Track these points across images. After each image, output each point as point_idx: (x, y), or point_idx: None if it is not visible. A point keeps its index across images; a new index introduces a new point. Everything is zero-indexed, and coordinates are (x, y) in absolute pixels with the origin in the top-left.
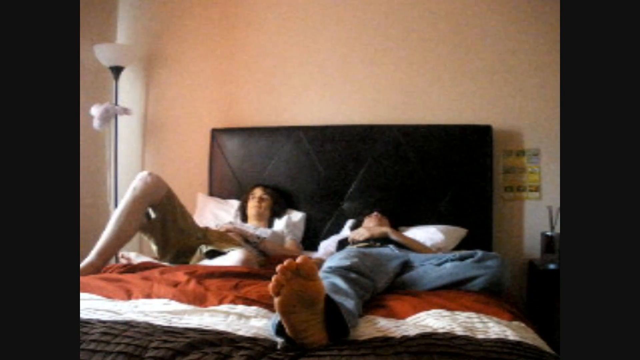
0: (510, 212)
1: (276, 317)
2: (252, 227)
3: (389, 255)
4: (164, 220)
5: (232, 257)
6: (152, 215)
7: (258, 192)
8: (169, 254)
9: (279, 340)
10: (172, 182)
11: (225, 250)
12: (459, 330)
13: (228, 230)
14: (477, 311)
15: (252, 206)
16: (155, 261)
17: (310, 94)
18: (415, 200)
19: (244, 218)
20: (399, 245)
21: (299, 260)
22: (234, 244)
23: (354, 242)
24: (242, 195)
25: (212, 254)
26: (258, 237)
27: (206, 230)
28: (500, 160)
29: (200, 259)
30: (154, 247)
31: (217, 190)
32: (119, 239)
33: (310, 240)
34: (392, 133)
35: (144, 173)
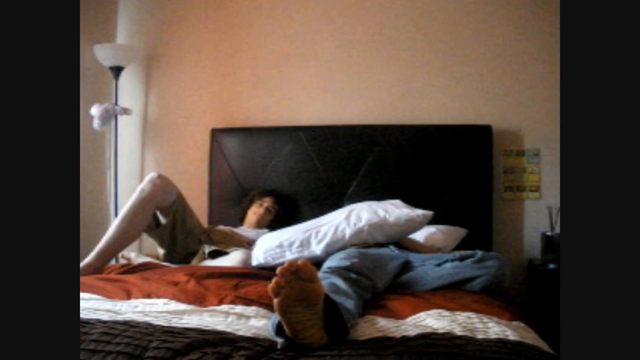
0: (510, 212)
1: (276, 317)
2: (253, 233)
3: (389, 255)
4: (173, 225)
5: (234, 258)
6: (160, 218)
7: (268, 201)
8: (175, 257)
9: (279, 340)
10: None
11: (228, 250)
12: (459, 331)
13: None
14: (477, 311)
15: (256, 212)
16: (155, 261)
17: (310, 94)
18: (415, 200)
19: (241, 218)
20: (399, 245)
21: (299, 262)
22: (236, 244)
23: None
24: (244, 195)
25: (214, 254)
26: None
27: (210, 230)
28: (500, 160)
29: (203, 259)
30: (160, 252)
31: (217, 190)
32: (121, 241)
33: None
34: (392, 133)
35: (154, 175)
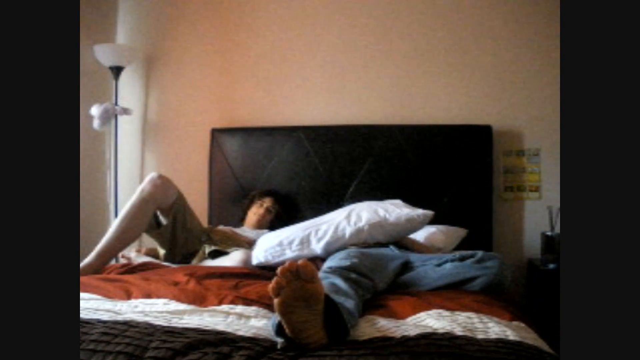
0: (510, 212)
1: (276, 317)
2: (254, 233)
3: (389, 255)
4: (174, 225)
5: (234, 258)
6: (161, 218)
7: (268, 202)
8: (175, 257)
9: (279, 340)
10: None
11: (228, 250)
12: (459, 330)
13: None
14: (477, 311)
15: (256, 212)
16: (156, 261)
17: (310, 94)
18: (415, 200)
19: (242, 218)
20: (399, 245)
21: (299, 262)
22: (236, 244)
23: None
24: (244, 195)
25: (214, 254)
26: None
27: (210, 230)
28: (500, 160)
29: (203, 259)
30: (161, 251)
31: (217, 190)
32: (121, 241)
33: None
34: (392, 133)
35: (154, 175)
